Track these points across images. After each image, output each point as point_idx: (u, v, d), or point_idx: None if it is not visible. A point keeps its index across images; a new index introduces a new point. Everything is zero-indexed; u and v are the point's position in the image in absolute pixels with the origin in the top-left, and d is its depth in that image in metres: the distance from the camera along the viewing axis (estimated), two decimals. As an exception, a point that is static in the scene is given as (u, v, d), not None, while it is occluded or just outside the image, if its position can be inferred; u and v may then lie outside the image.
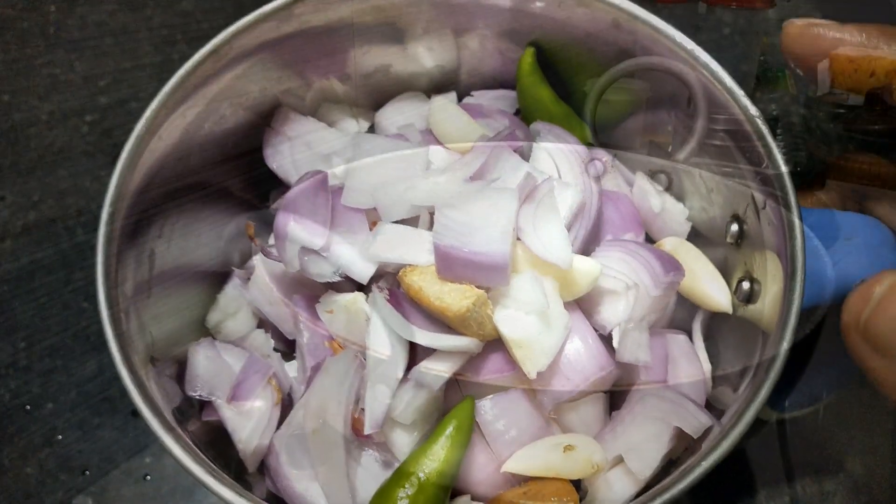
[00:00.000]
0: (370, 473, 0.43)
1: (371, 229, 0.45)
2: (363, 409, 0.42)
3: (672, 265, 0.44)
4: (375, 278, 0.45)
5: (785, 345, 0.39)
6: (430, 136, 0.51)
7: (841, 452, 0.52)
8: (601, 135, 0.53)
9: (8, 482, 0.59)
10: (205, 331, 0.51)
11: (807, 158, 0.77)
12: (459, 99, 0.56)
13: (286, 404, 0.46)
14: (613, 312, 0.43)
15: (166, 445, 0.39)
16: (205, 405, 0.46)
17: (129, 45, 0.66)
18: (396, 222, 0.45)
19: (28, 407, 0.60)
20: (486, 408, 0.42)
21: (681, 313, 0.48)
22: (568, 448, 0.41)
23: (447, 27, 0.53)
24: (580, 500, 0.41)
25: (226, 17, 0.69)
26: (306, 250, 0.44)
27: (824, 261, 0.46)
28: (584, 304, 0.44)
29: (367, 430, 0.41)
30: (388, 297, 0.42)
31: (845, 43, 0.55)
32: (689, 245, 0.49)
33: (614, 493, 0.42)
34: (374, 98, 0.56)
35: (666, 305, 0.46)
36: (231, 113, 0.50)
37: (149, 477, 0.60)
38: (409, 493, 0.40)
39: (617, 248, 0.46)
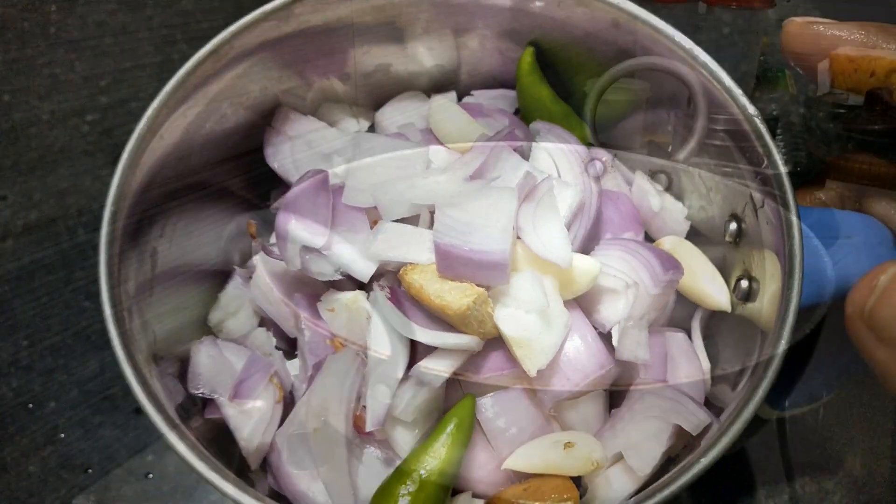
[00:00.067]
0: (372, 471, 0.43)
1: (372, 228, 0.46)
2: (365, 407, 0.42)
3: (671, 264, 0.44)
4: (376, 277, 0.45)
5: (783, 343, 0.39)
6: (430, 136, 0.51)
7: (840, 451, 0.52)
8: (601, 134, 0.53)
9: (10, 480, 0.59)
10: (207, 329, 0.51)
11: (806, 158, 0.77)
12: (459, 98, 0.56)
13: (288, 402, 0.46)
14: (613, 311, 0.44)
15: (170, 442, 0.39)
16: (207, 403, 0.46)
17: (130, 45, 0.66)
18: (397, 221, 0.45)
19: (30, 406, 0.60)
20: (487, 406, 0.42)
21: (680, 312, 0.48)
22: (568, 445, 0.41)
23: (447, 27, 0.53)
24: (580, 498, 0.41)
25: (225, 16, 0.69)
26: (307, 249, 0.44)
27: (824, 260, 0.46)
28: (583, 303, 0.44)
29: (368, 428, 0.41)
30: (388, 296, 0.43)
31: (845, 41, 0.55)
32: (688, 244, 0.49)
33: (614, 490, 0.42)
34: (374, 97, 0.56)
35: (665, 304, 0.47)
36: (232, 112, 0.50)
37: (150, 475, 0.61)
38: (411, 490, 0.40)
39: (616, 246, 0.46)
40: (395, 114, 0.55)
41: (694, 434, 0.41)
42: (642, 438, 0.42)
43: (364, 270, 0.44)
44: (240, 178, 0.53)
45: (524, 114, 0.54)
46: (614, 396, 0.45)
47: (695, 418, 0.41)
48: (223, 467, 0.39)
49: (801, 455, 0.53)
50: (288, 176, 0.51)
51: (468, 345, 0.41)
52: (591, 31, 0.50)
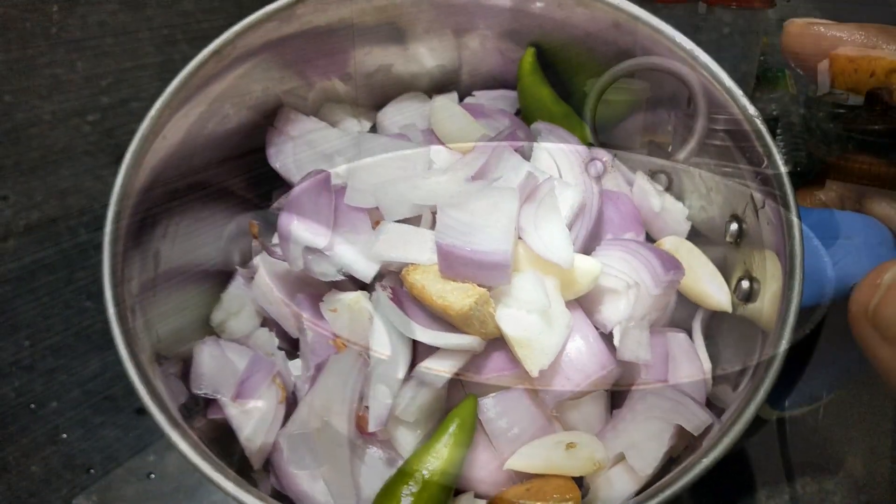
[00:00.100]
0: (374, 471, 0.43)
1: (374, 228, 0.46)
2: (367, 407, 0.42)
3: (672, 264, 0.44)
4: (378, 277, 0.45)
5: (784, 343, 0.39)
6: (432, 136, 0.51)
7: (841, 452, 0.52)
8: (601, 135, 0.53)
9: (12, 480, 0.59)
10: (209, 329, 0.51)
11: (806, 158, 0.77)
12: (460, 99, 0.56)
13: (290, 402, 0.46)
14: (614, 311, 0.44)
15: (173, 441, 0.39)
16: (210, 403, 0.46)
17: (131, 45, 0.66)
18: (399, 221, 0.45)
19: (32, 406, 0.61)
20: (489, 406, 0.43)
21: (681, 312, 0.49)
22: (570, 446, 0.42)
23: (448, 27, 0.53)
24: (582, 498, 0.41)
25: (226, 16, 0.69)
26: (310, 250, 0.45)
27: (824, 260, 0.46)
28: (585, 303, 0.44)
29: (371, 428, 0.42)
30: (391, 296, 0.43)
31: (845, 42, 0.55)
32: (689, 244, 0.49)
33: (616, 490, 0.42)
34: (375, 98, 0.56)
35: (666, 304, 0.47)
36: (234, 113, 0.50)
37: (152, 475, 0.61)
38: (413, 490, 0.40)
39: (617, 247, 0.46)
40: (396, 114, 0.55)
41: (695, 434, 0.41)
42: (644, 439, 0.42)
43: (366, 271, 0.44)
44: (242, 178, 0.53)
45: (525, 114, 0.54)
46: (616, 397, 0.46)
47: (696, 419, 0.41)
48: (226, 467, 0.40)
49: (802, 455, 0.53)
50: (290, 176, 0.51)
51: (470, 345, 0.41)
52: (592, 32, 0.50)
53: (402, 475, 0.41)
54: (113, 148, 0.65)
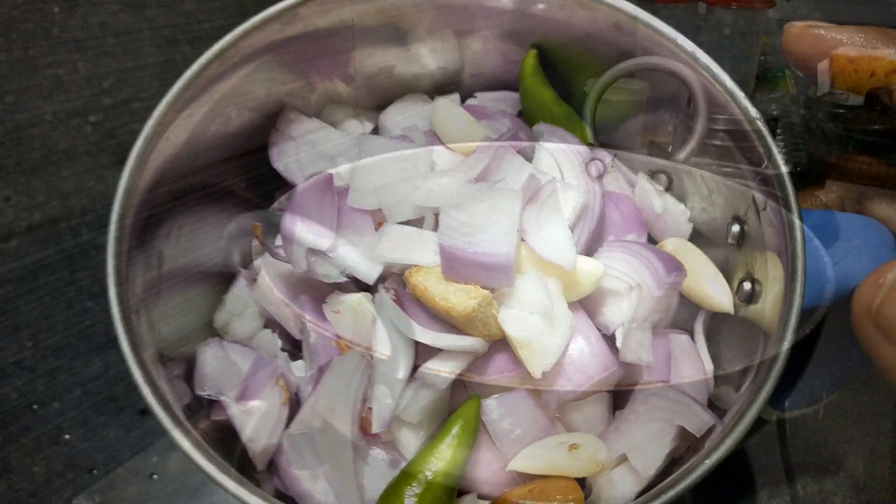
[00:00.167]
0: (378, 472, 0.43)
1: (376, 230, 0.46)
2: (371, 409, 0.42)
3: (674, 266, 0.45)
4: (381, 279, 0.45)
5: (786, 345, 0.39)
6: (434, 138, 0.51)
7: (842, 452, 0.53)
8: (602, 135, 0.54)
9: (15, 481, 0.59)
10: (213, 331, 0.52)
11: (807, 158, 0.77)
12: (462, 100, 0.56)
13: (294, 403, 0.47)
14: (617, 313, 0.44)
15: (176, 441, 0.40)
16: (213, 404, 0.47)
17: (132, 46, 0.66)
18: (401, 223, 0.45)
19: (35, 406, 0.61)
20: (492, 407, 0.43)
21: (682, 313, 0.49)
22: (573, 447, 0.42)
23: (450, 29, 0.53)
24: (585, 498, 0.42)
25: (227, 17, 0.69)
26: (313, 251, 0.45)
27: (824, 261, 0.46)
28: (587, 305, 0.44)
29: (374, 429, 0.42)
30: (394, 298, 0.43)
31: (845, 44, 0.55)
32: (691, 246, 0.49)
33: (618, 491, 0.42)
34: (377, 99, 0.56)
35: (668, 306, 0.47)
36: (236, 114, 0.51)
37: (155, 476, 0.61)
38: (417, 491, 0.40)
39: (619, 248, 0.46)
40: (398, 116, 0.55)
41: (697, 435, 0.41)
42: (646, 440, 0.42)
43: (369, 272, 0.44)
44: (244, 179, 0.54)
45: (527, 115, 0.54)
46: (618, 398, 0.46)
47: (698, 420, 0.42)
48: (229, 466, 0.40)
49: (802, 455, 0.53)
50: (292, 177, 0.52)
51: (473, 347, 0.41)
52: (593, 33, 0.50)
53: (405, 476, 0.41)
54: (114, 148, 0.65)
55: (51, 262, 0.63)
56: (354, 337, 0.45)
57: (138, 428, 0.63)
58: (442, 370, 0.41)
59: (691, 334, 0.49)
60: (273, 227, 0.50)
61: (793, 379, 0.50)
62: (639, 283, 0.44)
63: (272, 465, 0.46)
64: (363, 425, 0.43)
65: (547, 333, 0.41)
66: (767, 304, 0.44)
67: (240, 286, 0.52)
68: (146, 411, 0.63)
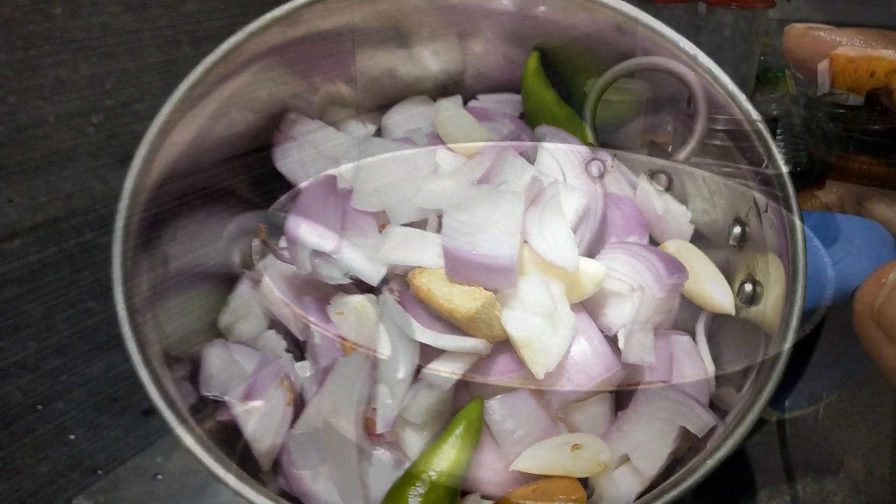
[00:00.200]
0: (382, 472, 0.43)
1: (380, 232, 0.46)
2: (375, 409, 0.43)
3: (676, 267, 0.45)
4: (385, 280, 0.45)
5: (787, 346, 0.40)
6: (437, 140, 0.51)
7: (842, 452, 0.53)
8: (602, 136, 0.54)
9: (20, 482, 0.59)
10: (217, 331, 0.52)
11: (807, 159, 0.77)
12: (464, 102, 0.57)
13: (298, 404, 0.47)
14: (619, 314, 0.44)
15: (182, 441, 0.40)
16: (219, 405, 0.47)
17: (134, 47, 0.66)
18: (405, 225, 0.46)
19: (39, 407, 0.61)
20: (495, 408, 0.43)
21: (684, 315, 0.49)
22: (575, 447, 0.42)
23: (452, 31, 0.54)
24: (587, 498, 0.42)
25: (229, 18, 0.69)
26: (317, 253, 0.45)
27: (824, 261, 0.46)
28: (589, 306, 0.45)
29: (378, 430, 0.42)
30: (397, 299, 0.43)
31: (844, 46, 0.55)
32: (692, 247, 0.49)
33: (621, 490, 0.43)
34: (380, 102, 0.57)
35: (670, 307, 0.47)
36: (240, 116, 0.51)
37: (159, 476, 0.61)
38: (421, 491, 0.40)
39: (621, 250, 0.46)
40: (400, 118, 0.56)
41: (699, 436, 0.42)
42: (648, 440, 0.42)
43: (373, 274, 0.45)
44: (248, 180, 0.54)
45: (529, 118, 0.55)
46: (620, 398, 0.46)
47: (700, 420, 0.42)
48: (233, 464, 0.40)
49: (803, 455, 0.54)
50: (296, 179, 0.52)
51: (476, 348, 0.42)
52: (595, 35, 0.50)
53: (409, 476, 0.41)
54: (116, 149, 0.66)
55: (53, 263, 0.64)
56: (358, 338, 0.45)
57: (142, 429, 0.63)
58: (445, 371, 0.42)
59: (693, 335, 0.49)
60: (274, 228, 0.50)
61: (793, 379, 0.50)
62: (641, 285, 0.44)
63: (277, 465, 0.46)
64: (367, 426, 0.43)
65: (550, 334, 0.42)
66: (769, 306, 0.44)
67: (244, 287, 0.52)
68: (150, 411, 0.63)
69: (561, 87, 0.54)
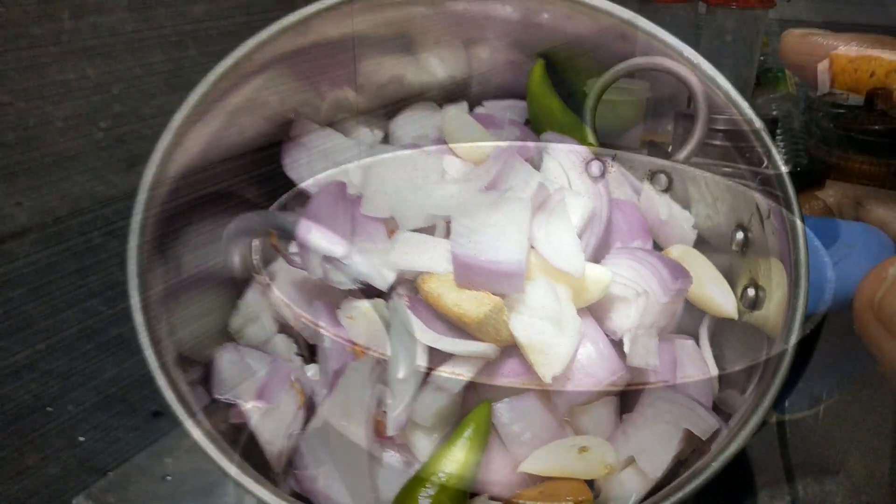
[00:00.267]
0: (392, 474, 0.44)
1: (389, 238, 0.47)
2: (385, 412, 0.43)
3: (680, 273, 0.46)
4: (394, 285, 0.46)
5: (789, 350, 0.40)
6: (444, 146, 0.52)
7: (842, 452, 0.54)
8: (603, 138, 0.54)
9: (31, 483, 0.60)
10: (228, 335, 0.53)
11: (807, 159, 0.78)
12: (470, 108, 0.57)
13: (309, 406, 0.48)
14: (624, 318, 0.45)
15: (196, 441, 0.41)
16: (231, 408, 0.48)
17: (141, 52, 0.66)
18: (413, 231, 0.46)
19: (49, 409, 0.62)
20: (503, 411, 0.44)
21: (688, 319, 0.49)
22: (582, 449, 0.43)
23: (458, 38, 0.54)
24: (594, 499, 0.43)
25: (235, 23, 0.70)
26: (328, 258, 0.46)
27: (824, 261, 0.47)
28: (595, 311, 0.45)
29: (389, 433, 0.43)
30: (407, 304, 0.44)
31: (843, 48, 0.56)
32: (696, 252, 0.50)
33: (626, 491, 0.43)
34: (387, 108, 0.57)
35: (674, 312, 0.48)
36: (250, 124, 0.51)
37: (169, 477, 0.62)
38: (431, 493, 0.41)
39: (626, 255, 0.47)
40: (408, 124, 0.56)
41: (703, 438, 0.42)
42: (653, 442, 0.43)
43: (383, 279, 0.45)
44: (257, 187, 0.55)
45: (534, 124, 0.55)
46: (625, 402, 0.47)
47: (704, 423, 0.43)
48: (249, 466, 0.41)
49: (803, 456, 0.54)
50: (305, 185, 0.52)
51: (485, 352, 0.42)
52: (599, 43, 0.51)
53: (419, 478, 0.42)
54: (124, 153, 0.66)
55: (62, 267, 0.64)
56: (368, 342, 0.46)
57: (152, 431, 0.64)
58: (455, 375, 0.42)
59: (696, 339, 0.50)
60: (275, 228, 0.50)
61: (793, 380, 0.51)
62: (645, 290, 0.45)
63: (289, 467, 0.47)
64: (378, 428, 0.44)
65: (556, 338, 0.42)
66: (771, 310, 0.45)
67: (254, 291, 0.53)
68: (159, 413, 0.64)
69: (561, 87, 0.55)
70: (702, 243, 0.52)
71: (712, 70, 0.46)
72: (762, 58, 1.02)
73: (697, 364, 0.47)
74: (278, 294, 0.50)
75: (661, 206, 0.51)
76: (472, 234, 0.43)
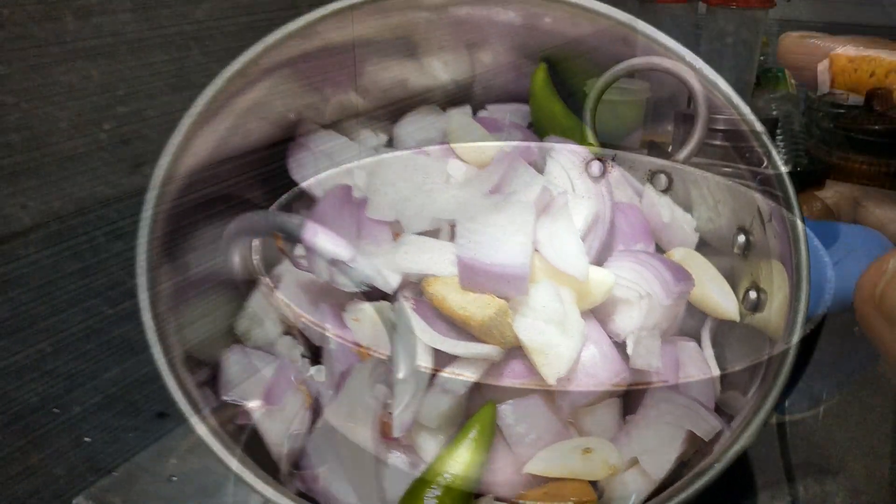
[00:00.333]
0: (398, 475, 0.44)
1: (394, 240, 0.47)
2: (391, 414, 0.44)
3: (682, 275, 0.46)
4: (399, 288, 0.46)
5: (791, 352, 0.41)
6: (448, 150, 0.53)
7: (842, 453, 0.54)
8: (604, 139, 0.55)
9: (38, 483, 0.60)
10: (234, 337, 0.53)
11: (807, 159, 0.78)
12: (473, 112, 0.58)
13: (315, 407, 0.48)
14: (627, 321, 0.45)
15: (203, 438, 0.41)
16: (238, 409, 0.48)
17: (144, 54, 0.67)
18: (418, 234, 0.47)
19: (56, 410, 0.62)
20: (507, 412, 0.44)
21: (690, 321, 0.50)
22: (586, 451, 0.43)
23: (461, 43, 0.55)
24: (597, 500, 0.43)
25: (238, 26, 0.70)
26: (334, 261, 0.46)
27: (824, 260, 0.48)
28: (599, 313, 0.46)
29: (395, 434, 0.43)
30: (412, 307, 0.44)
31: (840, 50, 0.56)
32: (698, 255, 0.50)
33: (629, 492, 0.44)
34: (391, 111, 0.58)
35: (676, 314, 0.48)
36: (256, 127, 0.52)
37: (174, 478, 0.62)
38: (436, 493, 0.42)
39: (629, 258, 0.47)
40: (412, 127, 0.57)
41: (706, 440, 0.43)
42: (656, 444, 0.44)
43: (389, 282, 0.46)
44: (263, 189, 0.55)
45: (537, 128, 0.56)
46: (628, 404, 0.47)
47: (706, 424, 0.43)
48: (252, 462, 0.42)
49: (803, 457, 0.55)
50: (310, 188, 0.53)
51: (490, 354, 0.43)
52: (600, 46, 0.51)
53: (425, 479, 0.42)
54: (129, 155, 0.66)
55: (66, 269, 0.64)
56: (373, 344, 0.46)
57: (158, 431, 0.65)
58: (460, 376, 0.43)
59: (698, 341, 0.50)
60: (275, 229, 0.51)
61: (793, 380, 0.51)
62: (648, 293, 0.45)
63: (295, 467, 0.47)
64: (384, 430, 0.44)
65: (561, 340, 0.43)
66: (773, 313, 0.45)
67: (261, 293, 0.53)
68: (164, 414, 0.64)
69: (561, 87, 0.55)
70: (703, 246, 0.52)
71: (714, 74, 0.46)
72: (762, 58, 1.02)
73: (699, 365, 0.48)
74: (279, 296, 0.51)
75: (663, 209, 0.52)
76: (476, 238, 0.43)
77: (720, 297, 0.48)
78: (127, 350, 0.67)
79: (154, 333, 0.44)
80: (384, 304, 0.47)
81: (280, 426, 0.47)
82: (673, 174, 0.54)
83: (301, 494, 0.47)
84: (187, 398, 0.43)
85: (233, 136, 0.50)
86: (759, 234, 0.47)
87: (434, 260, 0.45)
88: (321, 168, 0.53)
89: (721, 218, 0.51)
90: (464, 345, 0.43)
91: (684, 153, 0.49)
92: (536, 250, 0.45)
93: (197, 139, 0.47)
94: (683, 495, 0.38)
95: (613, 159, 0.53)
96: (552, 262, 0.44)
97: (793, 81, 0.98)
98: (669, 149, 0.53)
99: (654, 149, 0.55)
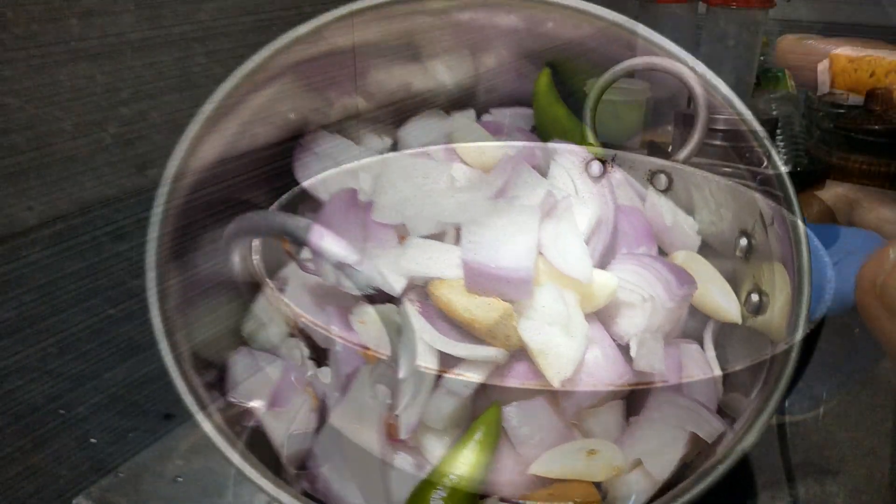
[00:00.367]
0: (404, 476, 0.45)
1: (400, 244, 0.48)
2: (397, 416, 0.44)
3: (685, 278, 0.46)
4: (405, 291, 0.47)
5: (793, 354, 0.41)
6: (452, 153, 0.53)
7: (843, 453, 0.54)
8: (606, 143, 0.55)
9: (43, 484, 0.61)
10: (241, 339, 0.53)
11: (807, 158, 0.79)
12: (477, 116, 0.58)
13: (322, 409, 0.48)
14: (630, 323, 0.46)
15: (209, 434, 0.42)
16: (245, 411, 0.48)
17: (149, 57, 0.67)
18: (424, 237, 0.47)
19: (62, 411, 0.62)
20: (512, 414, 0.44)
21: (692, 323, 0.50)
22: (590, 452, 0.44)
23: (465, 47, 0.55)
24: (601, 501, 0.44)
25: (243, 29, 0.70)
26: (340, 264, 0.46)
27: (824, 261, 0.48)
28: (602, 316, 0.46)
29: (401, 436, 0.44)
30: (418, 309, 0.45)
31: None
32: (700, 258, 0.51)
33: (633, 493, 0.44)
34: (396, 115, 0.58)
35: (679, 317, 0.49)
36: (262, 130, 0.52)
37: (180, 479, 0.62)
38: (442, 494, 0.42)
39: (632, 261, 0.48)
40: (416, 131, 0.57)
41: (709, 441, 0.43)
42: (660, 445, 0.44)
43: (394, 285, 0.46)
44: (270, 193, 0.55)
45: (540, 131, 0.56)
46: (632, 406, 0.48)
47: (709, 426, 0.44)
48: (264, 467, 0.42)
49: (804, 457, 0.55)
50: (316, 192, 0.53)
51: (495, 357, 0.43)
52: (602, 49, 0.51)
53: (431, 480, 0.43)
54: (131, 156, 0.66)
55: (72, 271, 0.65)
56: (379, 347, 0.47)
57: (163, 432, 0.65)
58: (465, 379, 0.43)
59: (701, 343, 0.50)
60: (275, 229, 0.51)
61: (794, 381, 0.52)
62: (651, 295, 0.46)
63: (302, 468, 0.48)
64: (390, 431, 0.45)
65: (565, 343, 0.43)
66: (775, 315, 0.45)
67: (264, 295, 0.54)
68: (170, 415, 0.65)
69: (561, 87, 0.56)
70: (706, 249, 0.53)
71: (714, 77, 0.47)
72: (762, 58, 1.02)
73: (702, 368, 0.48)
74: (279, 296, 0.51)
75: (666, 212, 0.52)
76: (481, 241, 0.44)
77: (722, 300, 0.49)
78: (130, 350, 0.67)
79: (161, 330, 0.44)
80: (390, 307, 0.47)
81: (286, 428, 0.47)
82: (674, 175, 0.54)
83: (307, 495, 0.47)
84: (194, 396, 0.43)
85: (239, 140, 0.51)
86: (761, 237, 0.47)
87: (439, 263, 0.45)
88: (326, 172, 0.54)
89: (723, 221, 0.51)
90: (469, 347, 0.43)
91: (684, 153, 0.49)
92: (540, 253, 0.45)
93: (208, 139, 0.48)
94: (687, 496, 0.38)
95: (613, 159, 0.53)
96: (556, 265, 0.44)
97: (792, 82, 0.99)
98: (669, 149, 0.53)
99: (654, 149, 0.56)
